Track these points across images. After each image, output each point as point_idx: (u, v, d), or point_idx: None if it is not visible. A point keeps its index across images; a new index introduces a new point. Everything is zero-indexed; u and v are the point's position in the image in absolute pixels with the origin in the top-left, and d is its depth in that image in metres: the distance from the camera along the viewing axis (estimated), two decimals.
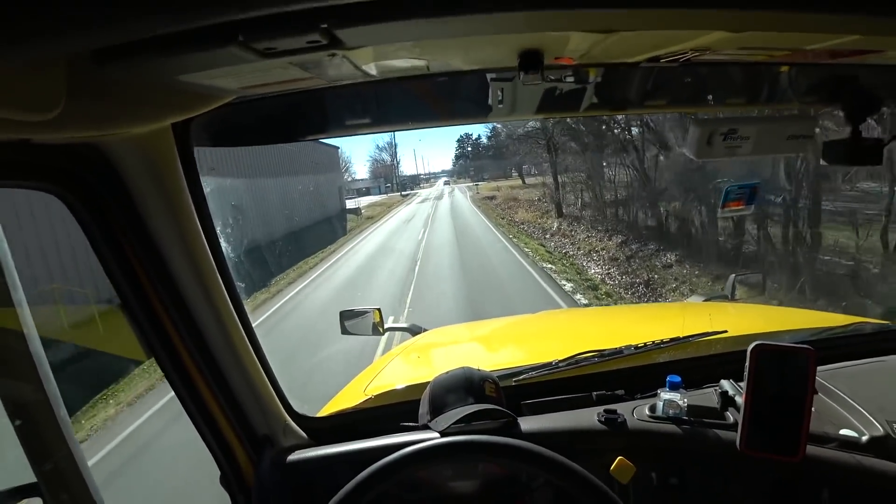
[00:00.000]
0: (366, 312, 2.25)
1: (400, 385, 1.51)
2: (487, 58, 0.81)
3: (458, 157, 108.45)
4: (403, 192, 78.18)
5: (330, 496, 0.95)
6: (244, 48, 0.51)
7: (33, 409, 0.53)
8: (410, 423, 1.26)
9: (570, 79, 0.92)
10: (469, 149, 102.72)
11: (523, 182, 54.61)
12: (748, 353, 0.99)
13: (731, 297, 2.32)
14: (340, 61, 0.66)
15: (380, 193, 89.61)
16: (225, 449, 1.13)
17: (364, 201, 60.55)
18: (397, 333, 4.26)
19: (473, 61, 0.84)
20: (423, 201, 47.77)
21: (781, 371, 0.95)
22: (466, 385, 1.19)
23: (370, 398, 1.45)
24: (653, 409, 1.20)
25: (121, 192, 0.85)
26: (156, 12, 0.42)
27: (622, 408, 1.21)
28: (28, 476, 0.46)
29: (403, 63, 0.79)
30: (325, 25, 0.48)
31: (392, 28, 0.51)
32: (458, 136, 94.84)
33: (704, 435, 1.11)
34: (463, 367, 1.25)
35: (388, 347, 5.49)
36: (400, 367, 1.95)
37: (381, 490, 0.93)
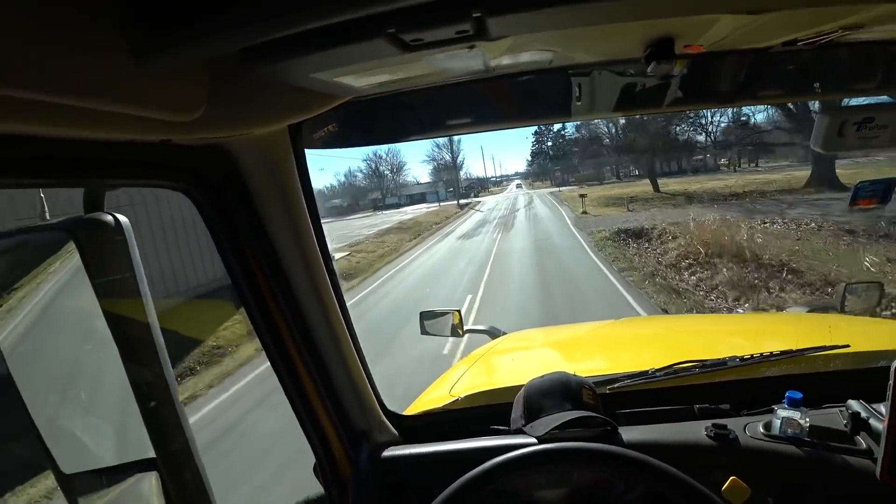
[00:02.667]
0: (445, 313, 2.25)
1: (487, 388, 1.49)
2: (614, 48, 0.79)
3: (534, 155, 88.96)
4: (462, 202, 59.51)
5: (424, 494, 1.02)
6: (392, 40, 0.52)
7: (155, 392, 0.55)
8: (501, 427, 1.24)
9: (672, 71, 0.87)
10: (549, 143, 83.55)
11: (656, 188, 34.72)
12: (892, 371, 0.87)
13: (841, 309, 2.11)
14: (473, 55, 0.67)
15: (437, 201, 72.48)
16: (323, 440, 1.16)
17: (395, 217, 43.14)
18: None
19: (598, 52, 0.83)
20: (478, 229, 26.51)
21: None
22: (563, 390, 1.17)
23: (457, 399, 1.44)
24: (768, 426, 1.11)
25: (241, 191, 0.90)
26: (310, 6, 0.45)
27: (731, 424, 1.11)
28: (148, 452, 0.54)
29: (528, 57, 0.79)
30: (479, 14, 0.48)
31: (539, 16, 0.52)
32: (535, 128, 75.27)
33: (831, 460, 1.03)
34: (559, 372, 1.23)
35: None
36: (485, 370, 1.89)
37: (486, 492, 0.92)
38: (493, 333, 2.43)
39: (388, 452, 1.22)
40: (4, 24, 0.37)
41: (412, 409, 1.52)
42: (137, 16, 0.46)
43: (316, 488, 1.23)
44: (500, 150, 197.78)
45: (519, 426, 1.17)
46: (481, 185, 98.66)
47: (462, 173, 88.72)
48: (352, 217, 61.95)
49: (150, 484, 0.57)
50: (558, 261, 13.74)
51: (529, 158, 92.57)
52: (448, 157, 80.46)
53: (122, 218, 0.56)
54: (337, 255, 19.94)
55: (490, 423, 1.27)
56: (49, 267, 0.55)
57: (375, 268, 17.30)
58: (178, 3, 0.46)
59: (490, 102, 1.02)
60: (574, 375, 1.21)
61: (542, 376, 1.22)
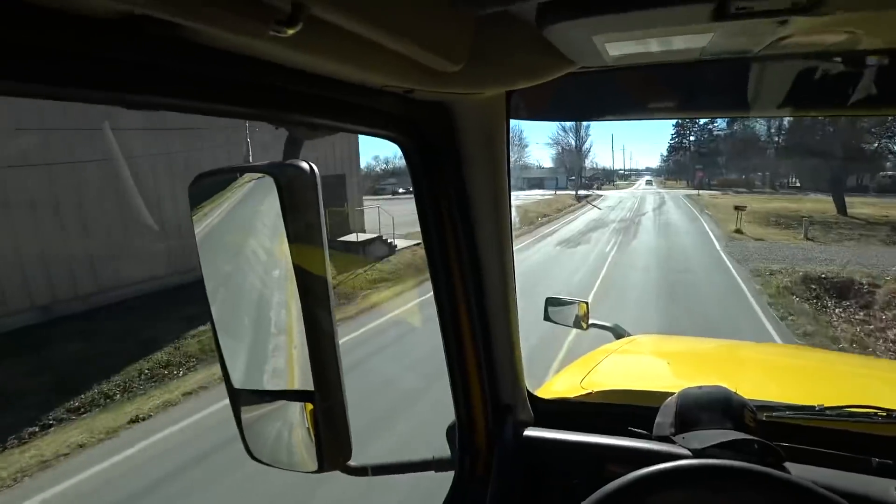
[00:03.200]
0: (572, 303, 2.19)
1: (624, 387, 1.44)
2: None
3: (672, 150, 78.42)
4: (581, 193, 52.66)
5: (564, 481, 1.08)
6: (717, 6, 0.49)
7: (321, 332, 0.59)
8: (641, 431, 1.18)
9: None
10: (692, 138, 72.64)
11: (841, 210, 26.42)
12: None
13: None
14: (773, 29, 0.60)
15: (555, 188, 67.49)
16: (469, 406, 1.16)
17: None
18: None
19: None
20: (587, 234, 21.33)
21: None
22: (724, 407, 1.09)
23: (591, 393, 1.42)
24: None
25: (453, 152, 0.92)
26: None
27: None
28: (307, 384, 0.59)
29: (821, 39, 0.68)
30: None
31: None
32: (676, 120, 65.18)
33: None
34: (719, 387, 1.14)
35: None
36: (618, 369, 1.83)
37: (645, 498, 0.88)
38: (618, 332, 2.36)
39: (529, 432, 1.22)
40: None
41: (542, 393, 1.45)
42: None
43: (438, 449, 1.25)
44: (633, 142, 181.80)
45: (666, 434, 1.11)
46: (606, 177, 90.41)
47: (588, 162, 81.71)
48: None
49: (303, 412, 0.62)
50: (706, 321, 8.35)
51: (665, 153, 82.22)
52: (573, 142, 73.62)
53: (314, 167, 0.57)
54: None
55: (627, 423, 1.21)
56: (250, 205, 0.60)
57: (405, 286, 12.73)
58: None
59: (733, 85, 0.90)
60: (735, 393, 1.13)
61: (700, 387, 1.15)
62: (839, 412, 1.19)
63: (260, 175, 0.58)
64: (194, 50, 0.44)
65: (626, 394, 1.40)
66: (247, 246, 0.63)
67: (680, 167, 76.92)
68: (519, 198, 42.97)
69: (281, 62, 0.51)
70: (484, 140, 0.93)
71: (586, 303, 2.17)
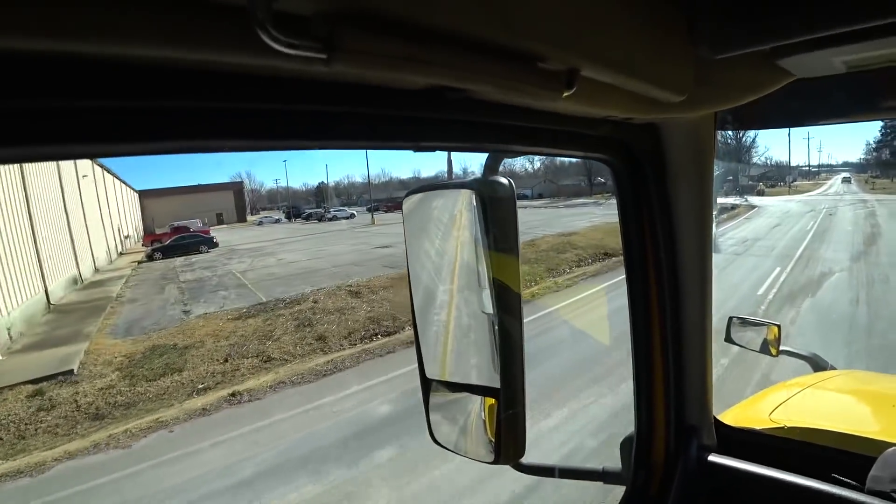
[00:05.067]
0: (761, 325, 1.99)
1: (825, 427, 1.34)
2: None
3: (882, 141, 53.33)
4: (722, 202, 34.03)
5: None
6: None
7: (509, 335, 0.62)
8: (850, 480, 1.07)
9: None
10: None
11: None
12: None
13: None
14: None
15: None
16: (651, 422, 1.13)
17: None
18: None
19: None
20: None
21: None
22: None
23: (782, 427, 1.36)
24: None
25: (660, 171, 0.94)
26: None
27: None
28: (494, 382, 0.63)
29: None
30: None
31: None
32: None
33: None
34: None
35: None
36: (815, 405, 1.68)
37: None
38: (818, 364, 2.13)
39: (714, 458, 1.15)
40: (602, 10, 0.48)
41: (725, 419, 1.37)
42: (707, 4, 0.53)
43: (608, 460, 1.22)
44: (825, 132, 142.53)
45: (885, 489, 1.00)
46: (780, 176, 67.14)
47: (758, 158, 64.73)
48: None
49: (488, 408, 0.65)
50: None
51: (875, 140, 56.67)
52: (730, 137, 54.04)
53: (511, 182, 0.61)
54: None
55: (828, 468, 1.11)
56: (457, 214, 0.64)
57: None
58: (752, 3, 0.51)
59: None
60: None
61: None
62: None
63: (464, 190, 0.63)
64: (478, 106, 0.56)
65: (829, 435, 1.29)
66: (450, 252, 0.67)
67: (891, 164, 51.76)
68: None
69: (531, 106, 0.60)
70: (692, 156, 0.94)
71: (778, 325, 1.94)
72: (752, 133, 55.33)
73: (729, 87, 0.74)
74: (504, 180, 0.60)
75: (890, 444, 1.06)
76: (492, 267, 0.60)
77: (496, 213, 0.59)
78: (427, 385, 0.74)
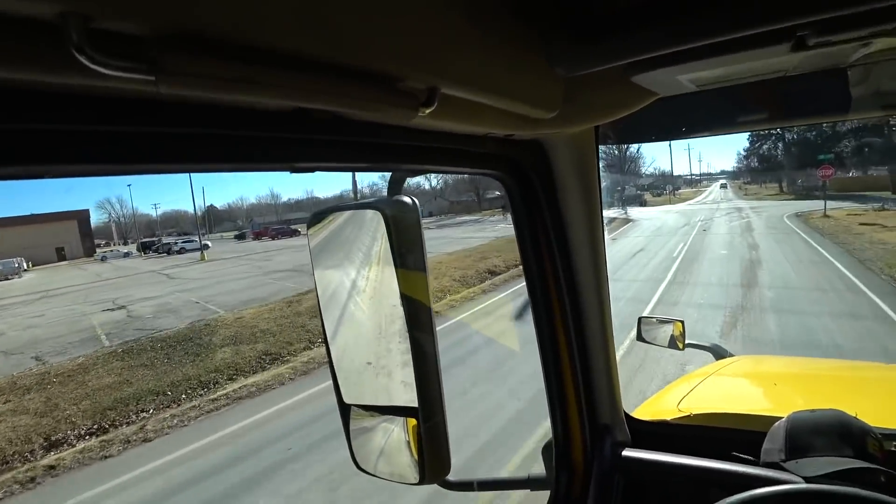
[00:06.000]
0: (666, 323, 2.11)
1: (725, 410, 1.40)
2: None
3: (757, 141, 54.33)
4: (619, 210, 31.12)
5: (665, 502, 1.12)
6: (794, 42, 0.51)
7: (424, 353, 0.63)
8: (746, 456, 1.13)
9: None
10: (793, 136, 48.28)
11: None
12: None
13: None
14: (855, 49, 0.63)
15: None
16: (566, 426, 1.17)
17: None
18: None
19: None
20: None
21: None
22: (842, 433, 1.03)
23: (689, 416, 1.39)
24: None
25: (549, 183, 0.98)
26: (740, 17, 0.47)
27: None
28: (412, 402, 0.63)
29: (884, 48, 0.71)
30: None
31: None
32: None
33: None
34: (834, 410, 1.09)
35: None
36: (718, 391, 1.76)
37: None
38: (719, 353, 2.25)
39: (627, 452, 1.21)
40: (462, 31, 0.49)
41: (638, 414, 1.44)
42: (554, 26, 0.54)
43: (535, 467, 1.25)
44: (706, 144, 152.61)
45: (775, 460, 1.06)
46: (666, 185, 68.36)
47: (649, 168, 66.64)
48: None
49: (407, 427, 0.65)
50: None
51: (747, 147, 57.92)
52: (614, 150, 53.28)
53: (416, 200, 0.61)
54: None
55: (729, 448, 1.17)
56: (363, 235, 0.64)
57: None
58: (601, 19, 0.52)
59: (827, 95, 0.92)
60: (854, 418, 1.07)
61: (812, 411, 1.10)
62: None
63: (368, 210, 0.63)
64: (352, 126, 0.57)
65: (729, 417, 1.35)
66: (358, 274, 0.67)
67: (768, 165, 52.92)
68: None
69: (406, 125, 0.60)
70: (576, 169, 0.98)
71: (682, 321, 2.07)
72: (634, 148, 55.74)
73: (600, 105, 0.78)
74: (408, 199, 0.60)
75: (778, 419, 1.12)
76: (401, 285, 0.60)
77: (402, 231, 0.60)
78: (346, 410, 0.72)
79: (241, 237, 38.11)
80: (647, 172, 69.05)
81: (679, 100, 0.88)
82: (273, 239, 36.23)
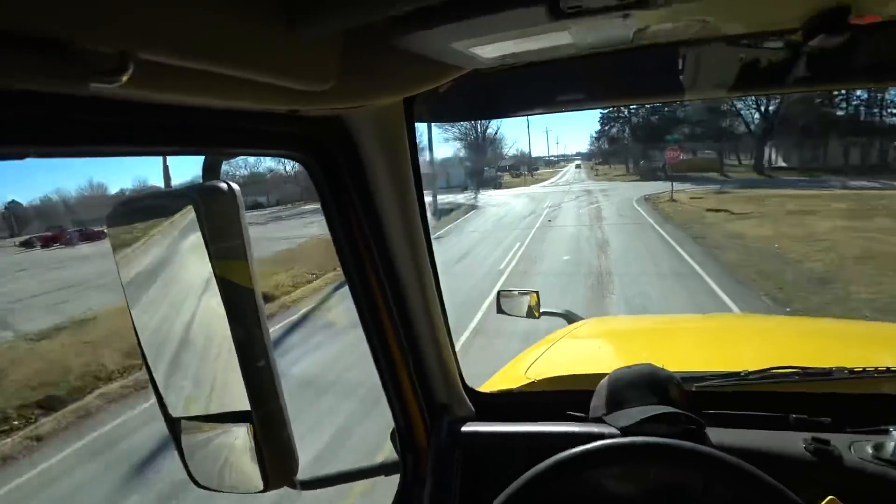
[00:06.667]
0: (523, 294, 2.22)
1: (565, 373, 1.43)
2: (773, 17, 0.73)
3: (607, 123, 54.88)
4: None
5: (501, 472, 1.02)
6: (549, 7, 0.50)
7: (255, 352, 0.59)
8: (579, 414, 1.17)
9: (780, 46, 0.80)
10: (639, 119, 48.72)
11: None
12: None
13: None
14: (623, 24, 0.65)
15: (447, 187, 46.05)
16: (404, 407, 1.17)
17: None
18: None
19: (755, 23, 0.77)
20: None
21: None
22: (650, 383, 1.10)
23: (533, 382, 1.40)
24: (879, 448, 0.97)
25: (355, 162, 0.91)
26: None
27: (833, 440, 1.01)
28: (245, 406, 0.58)
29: (676, 27, 0.74)
30: None
31: None
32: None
33: None
34: (646, 364, 1.15)
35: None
36: (563, 355, 1.81)
37: (564, 479, 0.90)
38: (570, 318, 2.31)
39: (466, 427, 1.21)
40: None
41: (487, 387, 1.46)
42: None
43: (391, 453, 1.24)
44: (561, 126, 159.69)
45: (599, 415, 1.12)
46: (525, 166, 68.33)
47: (510, 150, 65.00)
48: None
49: (243, 434, 0.61)
50: None
51: (598, 129, 58.49)
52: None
53: (234, 186, 0.57)
54: None
55: (567, 409, 1.21)
56: (172, 228, 0.58)
57: None
58: None
59: (618, 76, 0.95)
60: (661, 369, 1.14)
61: (629, 367, 1.16)
62: (761, 375, 1.22)
63: (178, 199, 0.57)
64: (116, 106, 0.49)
65: (566, 379, 1.38)
66: (170, 271, 0.61)
67: (618, 147, 53.88)
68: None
69: (161, 101, 0.51)
70: (385, 147, 0.92)
71: (536, 292, 2.17)
72: (493, 126, 53.65)
73: (397, 77, 0.73)
74: (224, 185, 0.56)
75: (605, 376, 1.16)
76: (221, 279, 0.55)
77: (219, 220, 0.55)
78: (174, 425, 0.66)
79: (27, 244, 27.27)
80: (508, 154, 68.93)
81: (496, 77, 0.88)
82: (68, 246, 25.37)
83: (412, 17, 0.54)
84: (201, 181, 0.62)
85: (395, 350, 1.10)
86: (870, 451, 0.98)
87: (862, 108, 37.17)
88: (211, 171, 0.68)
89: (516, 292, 2.25)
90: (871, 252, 10.28)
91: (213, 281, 0.55)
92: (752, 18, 0.74)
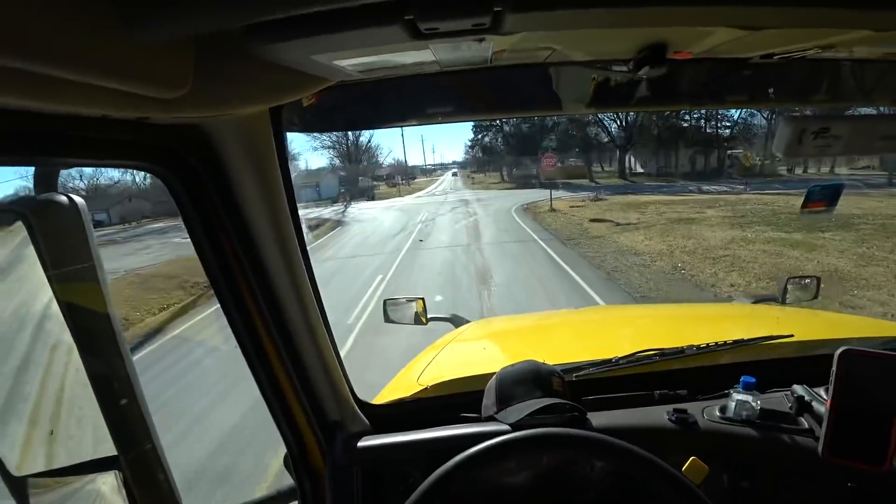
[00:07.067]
0: (409, 301, 2.22)
1: (456, 376, 1.43)
2: (609, 49, 0.82)
3: (480, 132, 54.48)
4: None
5: (401, 484, 1.09)
6: (406, 27, 0.51)
7: (116, 386, 0.53)
8: (472, 415, 1.22)
9: (624, 70, 0.86)
10: (510, 128, 48.66)
11: None
12: (836, 357, 0.94)
13: (782, 301, 2.17)
14: (480, 48, 0.68)
15: (318, 198, 44.35)
16: (295, 431, 1.14)
17: None
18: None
19: (594, 52, 0.86)
20: None
21: (869, 378, 0.93)
22: (534, 378, 1.16)
23: (426, 388, 1.40)
24: (724, 409, 1.16)
25: (218, 174, 0.85)
26: None
27: (690, 408, 1.17)
28: (110, 450, 0.51)
29: (527, 53, 0.82)
30: (499, 8, 0.48)
31: (551, 16, 0.52)
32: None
33: (779, 439, 1.10)
34: (529, 361, 1.22)
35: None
36: (452, 359, 1.84)
37: (464, 480, 0.91)
38: (457, 321, 2.32)
39: (362, 443, 1.18)
40: None
41: (381, 398, 1.44)
42: None
43: (286, 480, 1.20)
44: (438, 135, 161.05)
45: (491, 413, 1.16)
46: (402, 175, 66.54)
47: (385, 159, 64.89)
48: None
49: (111, 483, 0.53)
50: None
51: (472, 138, 57.91)
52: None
53: (77, 199, 0.51)
54: None
55: (461, 411, 1.25)
56: (8, 247, 0.50)
57: None
58: None
59: (479, 92, 1.00)
60: (544, 364, 1.21)
61: (513, 365, 1.21)
62: (628, 360, 1.33)
63: (3, 215, 0.49)
64: None
65: (457, 382, 1.39)
66: (4, 302, 0.52)
67: (491, 156, 53.67)
68: None
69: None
70: (251, 158, 0.86)
71: (422, 299, 2.18)
72: (366, 135, 51.00)
73: (251, 87, 0.68)
74: (63, 197, 0.50)
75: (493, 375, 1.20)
76: (68, 306, 0.48)
77: (60, 239, 0.48)
78: (19, 486, 0.54)
79: None
80: (385, 163, 66.53)
81: (366, 88, 0.90)
82: None
83: (266, 28, 0.51)
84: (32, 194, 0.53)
85: (279, 371, 1.05)
86: (717, 413, 1.15)
87: (703, 122, 40.49)
88: (45, 182, 0.58)
89: (403, 300, 2.23)
90: (780, 268, 8.86)
91: (55, 309, 0.46)
92: (590, 49, 0.82)
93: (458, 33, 0.54)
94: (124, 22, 0.43)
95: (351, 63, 0.69)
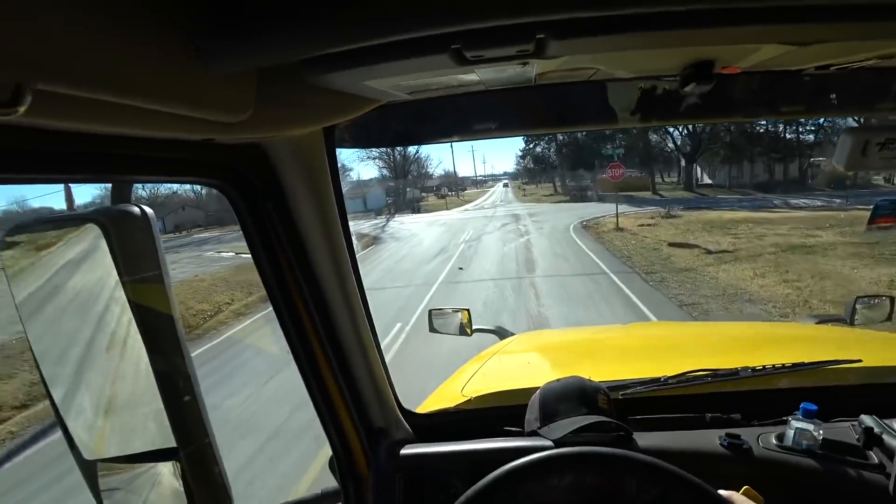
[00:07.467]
0: (455, 312, 2.21)
1: (499, 389, 1.41)
2: (654, 66, 0.82)
3: (525, 150, 51.66)
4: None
5: (442, 493, 1.10)
6: (454, 56, 0.53)
7: (178, 384, 0.56)
8: (515, 429, 1.21)
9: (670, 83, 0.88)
10: (564, 137, 45.91)
11: None
12: None
13: (850, 322, 2.02)
14: (524, 70, 0.69)
15: (365, 209, 43.92)
16: (341, 435, 1.16)
17: None
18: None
19: (639, 70, 0.85)
20: None
21: None
22: (579, 395, 1.14)
23: (469, 399, 1.38)
24: (781, 437, 1.09)
25: (276, 189, 0.89)
26: (384, 22, 0.46)
27: (744, 434, 1.11)
28: (170, 442, 0.54)
29: (572, 72, 0.81)
30: (542, 36, 0.50)
31: (595, 41, 0.53)
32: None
33: (845, 473, 1.01)
34: (575, 377, 1.20)
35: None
36: (497, 371, 1.82)
37: (505, 493, 0.90)
38: (502, 334, 2.30)
39: (405, 450, 1.21)
40: (73, 20, 0.38)
41: (424, 407, 1.44)
42: (206, 21, 0.47)
43: (330, 481, 1.22)
44: (489, 146, 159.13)
45: (534, 428, 1.15)
46: (450, 186, 65.09)
47: (434, 169, 65.54)
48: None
49: (170, 473, 0.57)
50: None
51: (523, 148, 55.03)
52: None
53: (148, 210, 0.54)
54: None
55: (503, 424, 1.24)
56: (76, 256, 0.54)
57: None
58: (248, 12, 0.47)
59: (524, 109, 1.01)
60: (589, 380, 1.18)
61: (558, 380, 1.19)
62: (679, 379, 1.26)
63: (85, 223, 0.53)
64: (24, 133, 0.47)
65: (501, 395, 1.37)
66: (77, 300, 0.56)
67: (543, 166, 50.60)
68: None
69: (73, 129, 0.49)
70: (305, 175, 0.90)
71: (468, 310, 2.15)
72: (414, 147, 50.04)
73: (307, 111, 0.73)
74: (136, 208, 0.53)
75: (537, 390, 1.19)
76: (136, 307, 0.51)
77: (131, 245, 0.52)
78: (90, 469, 0.59)
79: None
80: (435, 174, 65.27)
81: (414, 107, 0.92)
82: None
83: (320, 61, 0.54)
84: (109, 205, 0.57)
85: (329, 377, 1.07)
86: (773, 441, 1.08)
87: (781, 126, 36.02)
88: (120, 195, 0.66)
89: (449, 310, 2.20)
90: None
91: (128, 310, 0.50)
92: (635, 67, 0.81)
93: (504, 59, 0.55)
94: (196, 56, 0.47)
95: (402, 87, 0.74)
